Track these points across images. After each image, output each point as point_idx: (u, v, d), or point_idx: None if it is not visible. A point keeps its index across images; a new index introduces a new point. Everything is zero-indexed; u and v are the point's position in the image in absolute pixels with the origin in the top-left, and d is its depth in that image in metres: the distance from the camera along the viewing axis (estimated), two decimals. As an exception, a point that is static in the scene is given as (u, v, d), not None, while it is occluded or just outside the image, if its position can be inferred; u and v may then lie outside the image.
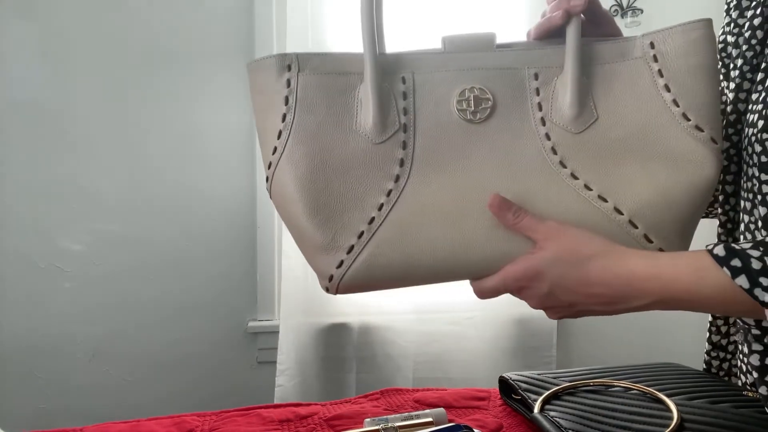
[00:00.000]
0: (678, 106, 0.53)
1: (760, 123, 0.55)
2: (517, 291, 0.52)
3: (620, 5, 1.73)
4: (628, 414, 0.56)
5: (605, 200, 0.53)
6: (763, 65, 0.59)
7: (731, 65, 0.65)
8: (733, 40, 0.65)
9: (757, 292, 0.43)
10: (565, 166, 0.54)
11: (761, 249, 0.44)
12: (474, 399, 0.72)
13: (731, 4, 0.67)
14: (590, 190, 0.53)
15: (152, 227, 1.61)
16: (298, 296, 1.55)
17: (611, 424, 0.54)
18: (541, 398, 0.61)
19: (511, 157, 0.54)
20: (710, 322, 0.69)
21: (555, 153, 0.54)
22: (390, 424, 0.58)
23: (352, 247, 0.53)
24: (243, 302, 1.67)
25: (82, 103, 1.56)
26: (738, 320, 0.58)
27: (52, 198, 1.56)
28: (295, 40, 1.54)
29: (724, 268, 0.44)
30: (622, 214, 0.52)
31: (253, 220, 1.65)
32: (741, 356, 0.64)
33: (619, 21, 1.73)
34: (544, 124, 0.55)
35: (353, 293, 0.56)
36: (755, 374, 0.50)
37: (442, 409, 0.63)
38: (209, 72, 1.61)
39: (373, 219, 0.53)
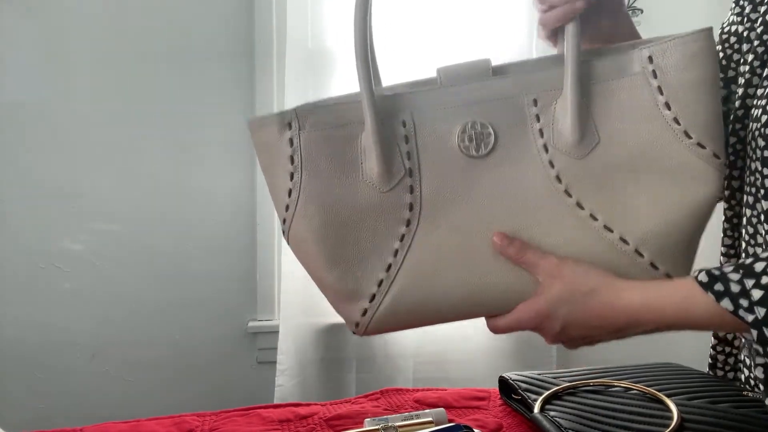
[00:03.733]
0: (679, 124, 0.52)
1: (764, 117, 0.55)
2: (532, 329, 0.55)
3: (620, 5, 1.73)
4: (628, 414, 0.56)
5: (611, 230, 0.53)
6: None
7: (741, 60, 0.65)
8: (745, 34, 0.64)
9: (741, 313, 0.45)
10: (570, 195, 0.53)
11: (741, 271, 0.46)
12: (474, 399, 0.72)
13: None
14: (596, 220, 0.53)
15: (152, 227, 1.60)
16: (298, 296, 1.55)
17: (611, 424, 0.54)
18: (541, 398, 0.61)
19: (516, 189, 0.54)
20: None
21: (560, 181, 0.53)
22: (390, 424, 0.58)
23: (373, 296, 0.54)
24: (243, 302, 1.67)
25: (82, 103, 1.56)
26: (741, 335, 0.59)
27: (52, 198, 1.56)
28: (295, 42, 1.53)
29: (709, 293, 0.47)
30: (628, 243, 0.53)
31: (253, 220, 1.65)
32: (747, 370, 0.64)
33: (619, 21, 1.72)
34: (546, 151, 0.54)
35: (383, 334, 0.57)
36: (762, 387, 0.52)
37: (442, 409, 0.63)
38: (209, 72, 1.61)
39: (390, 266, 0.54)
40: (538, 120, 0.54)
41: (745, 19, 0.64)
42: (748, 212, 0.59)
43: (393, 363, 1.62)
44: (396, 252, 0.54)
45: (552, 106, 0.54)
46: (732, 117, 0.62)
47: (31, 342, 1.56)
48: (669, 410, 0.56)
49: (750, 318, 0.45)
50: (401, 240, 0.54)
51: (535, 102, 0.54)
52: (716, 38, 0.68)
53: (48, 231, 1.56)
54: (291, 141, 0.54)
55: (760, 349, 0.47)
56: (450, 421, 0.61)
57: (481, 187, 0.54)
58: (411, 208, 0.54)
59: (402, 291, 0.54)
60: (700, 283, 0.47)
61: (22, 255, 1.55)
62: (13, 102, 1.53)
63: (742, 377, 0.66)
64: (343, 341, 1.61)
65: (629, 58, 0.54)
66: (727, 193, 0.65)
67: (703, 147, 0.52)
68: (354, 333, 0.56)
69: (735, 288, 0.46)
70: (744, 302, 0.45)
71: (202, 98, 1.61)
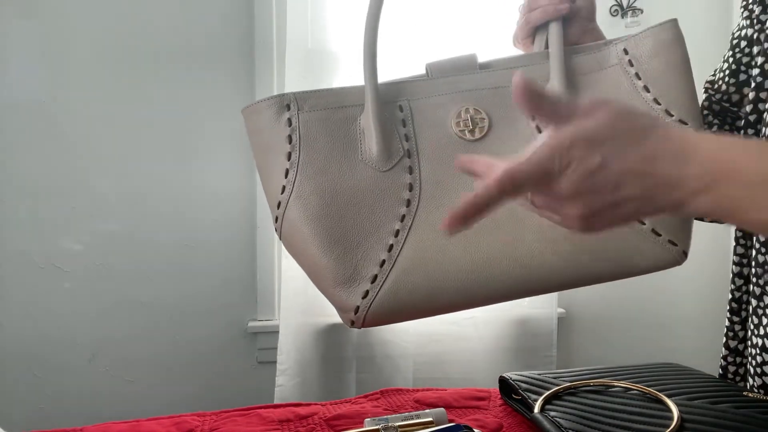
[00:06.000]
0: (659, 104, 0.56)
1: None
2: (565, 166, 0.39)
3: (620, 5, 1.73)
4: (629, 414, 0.56)
5: None
6: None
7: (752, 63, 0.64)
8: (755, 36, 0.64)
9: None
10: None
11: None
12: (474, 399, 0.72)
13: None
14: None
15: (152, 227, 1.60)
16: (298, 296, 1.55)
17: (611, 424, 0.54)
18: (541, 398, 0.61)
19: None
20: (727, 327, 0.69)
21: None
22: (390, 424, 0.58)
23: (375, 277, 0.53)
24: (243, 302, 1.67)
25: (82, 103, 1.56)
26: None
27: (52, 198, 1.56)
28: (295, 42, 1.53)
29: None
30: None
31: (253, 220, 1.65)
32: (752, 378, 0.64)
33: (619, 21, 1.72)
34: (540, 132, 0.56)
35: (380, 325, 0.55)
36: None
37: (442, 409, 0.63)
38: (209, 72, 1.61)
39: (391, 246, 0.53)
40: None
41: (755, 21, 0.64)
42: None
43: (393, 363, 1.62)
44: (397, 232, 0.54)
45: None
46: (744, 122, 0.62)
47: (31, 342, 1.56)
48: (669, 410, 0.56)
49: None
50: (402, 220, 0.54)
51: None
52: (728, 45, 0.68)
53: (48, 231, 1.56)
54: (289, 121, 0.55)
55: None
56: (450, 421, 0.61)
57: None
58: (411, 188, 0.55)
59: (406, 269, 0.53)
60: None
61: (22, 255, 1.55)
62: (13, 102, 1.53)
63: (748, 386, 0.66)
64: (343, 341, 1.61)
65: (606, 53, 0.59)
66: None
67: (684, 123, 0.56)
68: (351, 323, 0.53)
69: None
70: None
71: (202, 98, 1.61)
